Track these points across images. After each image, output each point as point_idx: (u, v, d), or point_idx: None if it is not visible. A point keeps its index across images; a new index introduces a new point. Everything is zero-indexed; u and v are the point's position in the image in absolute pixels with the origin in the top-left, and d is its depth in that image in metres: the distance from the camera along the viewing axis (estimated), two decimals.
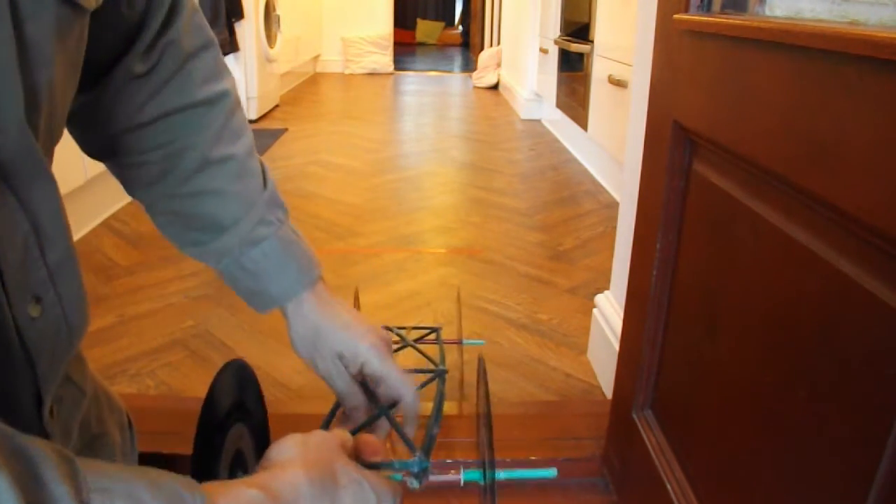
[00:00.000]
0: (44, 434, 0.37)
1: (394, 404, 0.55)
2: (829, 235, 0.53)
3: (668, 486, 0.84)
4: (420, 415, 0.56)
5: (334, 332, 0.54)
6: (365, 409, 0.56)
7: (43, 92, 0.34)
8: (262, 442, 0.53)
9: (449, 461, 1.03)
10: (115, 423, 0.56)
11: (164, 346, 1.51)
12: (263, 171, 0.56)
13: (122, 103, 0.49)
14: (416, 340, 0.84)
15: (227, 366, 0.49)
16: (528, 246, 2.17)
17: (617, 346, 1.09)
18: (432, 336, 0.90)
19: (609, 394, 1.19)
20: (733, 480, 0.70)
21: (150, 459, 1.05)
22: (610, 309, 1.38)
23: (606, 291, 1.43)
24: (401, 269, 1.92)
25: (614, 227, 1.40)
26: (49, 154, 0.38)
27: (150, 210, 0.56)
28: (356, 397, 0.55)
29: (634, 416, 0.98)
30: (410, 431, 0.54)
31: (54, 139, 0.39)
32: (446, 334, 0.97)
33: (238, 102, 0.56)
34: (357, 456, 0.42)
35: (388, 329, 0.82)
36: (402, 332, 0.85)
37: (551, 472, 0.42)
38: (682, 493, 0.82)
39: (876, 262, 0.47)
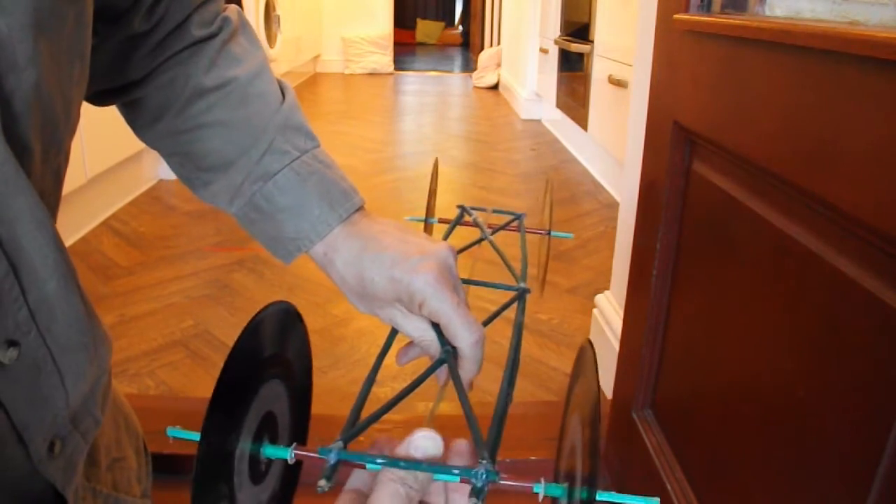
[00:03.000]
0: (34, 475, 0.34)
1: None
2: (829, 235, 0.53)
3: (668, 486, 0.84)
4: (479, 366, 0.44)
5: (382, 272, 0.43)
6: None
7: (23, 98, 0.30)
8: (301, 407, 0.41)
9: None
10: (132, 447, 0.53)
11: (164, 346, 1.51)
12: (283, 92, 0.48)
13: (118, 60, 0.44)
14: (494, 233, 0.71)
15: (269, 307, 0.36)
16: (530, 247, 2.17)
17: (617, 346, 1.09)
18: (515, 224, 0.75)
19: (609, 394, 1.19)
20: (733, 480, 0.70)
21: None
22: (610, 309, 1.38)
23: (606, 291, 1.43)
24: None
25: (614, 227, 1.40)
26: (52, 163, 0.35)
27: (164, 156, 0.49)
28: (433, 343, 0.45)
29: (634, 416, 0.98)
30: (465, 386, 0.43)
31: (59, 145, 0.35)
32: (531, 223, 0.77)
33: (244, 27, 0.49)
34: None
35: (464, 210, 0.73)
36: (480, 215, 0.71)
37: (654, 502, 0.29)
38: (683, 493, 0.82)
39: (876, 262, 0.47)
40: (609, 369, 1.21)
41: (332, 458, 0.32)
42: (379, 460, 0.31)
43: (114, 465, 0.47)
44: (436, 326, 0.44)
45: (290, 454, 0.34)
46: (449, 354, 0.42)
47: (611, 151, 2.66)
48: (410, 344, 0.47)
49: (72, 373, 0.35)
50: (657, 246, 0.89)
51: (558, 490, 0.31)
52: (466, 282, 0.50)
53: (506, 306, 0.52)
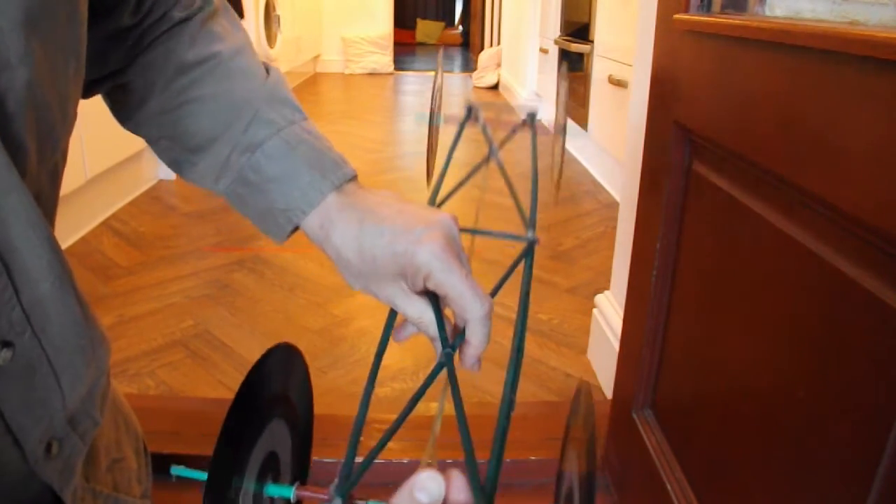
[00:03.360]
0: (31, 476, 0.34)
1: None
2: (829, 235, 0.53)
3: (668, 486, 0.84)
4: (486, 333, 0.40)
5: (382, 246, 0.41)
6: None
7: (16, 97, 0.30)
8: (303, 446, 0.41)
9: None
10: (132, 448, 0.51)
11: (164, 346, 1.51)
12: (267, 70, 0.47)
13: (103, 52, 0.43)
14: (502, 144, 0.63)
15: (274, 349, 0.36)
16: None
17: (617, 346, 1.09)
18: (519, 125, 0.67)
19: (609, 394, 1.19)
20: (733, 480, 0.70)
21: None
22: (610, 309, 1.38)
23: (606, 291, 1.43)
24: None
25: (614, 227, 1.40)
26: (48, 163, 0.34)
27: (151, 141, 0.48)
28: (432, 325, 0.42)
29: (634, 416, 0.98)
30: (471, 357, 0.41)
31: (55, 144, 0.35)
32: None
33: (225, 9, 0.48)
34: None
35: (472, 110, 0.67)
36: (482, 109, 0.64)
37: None
38: (682, 493, 0.82)
39: (876, 262, 0.47)
40: (609, 369, 1.21)
41: None
42: None
43: (114, 466, 0.47)
44: (438, 315, 0.41)
45: (292, 494, 0.35)
46: (449, 358, 0.39)
47: (611, 151, 2.66)
48: (406, 321, 0.45)
49: (68, 374, 0.34)
50: (657, 246, 0.89)
51: None
52: (465, 230, 0.46)
53: (513, 267, 0.47)
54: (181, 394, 1.34)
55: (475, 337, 0.40)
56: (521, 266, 0.47)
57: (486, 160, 0.51)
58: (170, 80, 0.44)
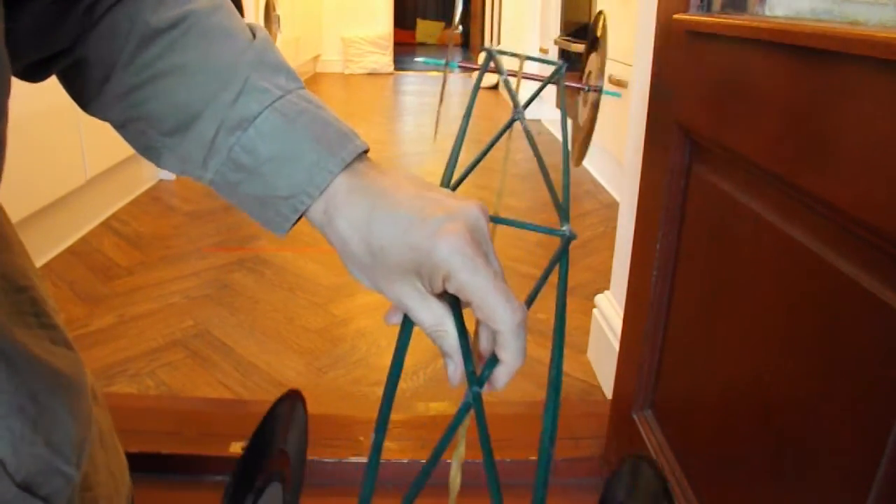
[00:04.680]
0: None
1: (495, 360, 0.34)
2: (829, 235, 0.53)
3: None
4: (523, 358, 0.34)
5: (395, 237, 0.34)
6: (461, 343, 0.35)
7: None
8: (294, 499, 0.37)
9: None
10: (126, 497, 0.45)
11: (164, 346, 1.51)
12: (252, 30, 0.39)
13: (47, 24, 0.36)
14: (527, 104, 0.56)
15: (280, 402, 0.33)
16: (529, 246, 2.17)
17: (617, 346, 1.09)
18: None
19: (609, 394, 1.19)
20: (733, 480, 0.70)
21: (149, 459, 1.05)
22: (610, 309, 1.38)
23: (606, 291, 1.43)
24: None
25: (614, 227, 1.40)
26: None
27: (120, 126, 0.40)
28: (450, 337, 0.35)
29: (634, 416, 0.98)
30: (505, 375, 0.35)
31: None
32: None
33: None
34: None
35: (491, 55, 0.56)
36: (510, 62, 0.50)
37: None
38: (682, 492, 0.82)
39: (876, 262, 0.47)
40: (609, 369, 1.21)
41: None
42: None
43: None
44: (462, 334, 0.34)
45: None
46: (478, 398, 0.32)
47: (611, 151, 2.66)
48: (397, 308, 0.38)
49: (4, 440, 0.29)
50: (657, 246, 0.89)
51: None
52: (494, 220, 0.39)
53: (550, 269, 0.39)
54: (181, 394, 1.34)
55: (507, 352, 0.34)
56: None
57: (510, 124, 0.43)
58: (135, 51, 0.36)
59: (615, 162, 2.63)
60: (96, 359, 1.44)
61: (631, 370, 0.99)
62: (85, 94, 0.39)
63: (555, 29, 3.65)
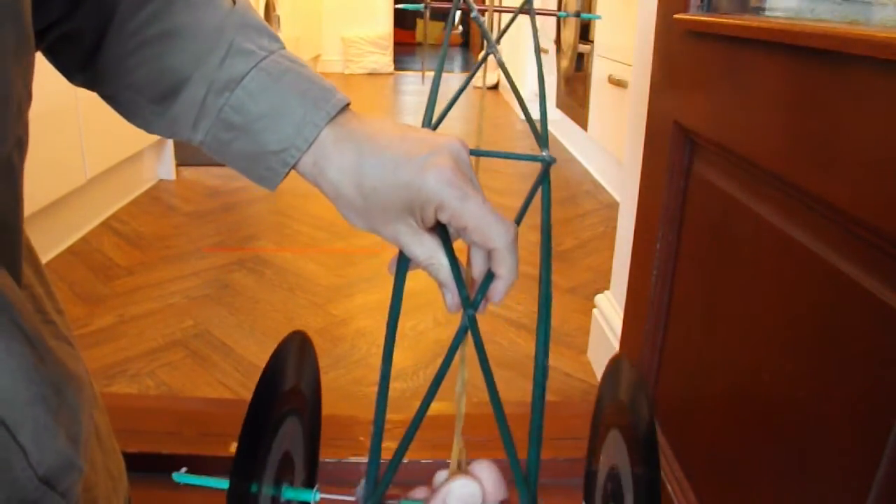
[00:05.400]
0: None
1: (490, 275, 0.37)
2: (829, 235, 0.53)
3: (668, 487, 0.84)
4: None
5: (385, 177, 0.37)
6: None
7: None
8: (313, 445, 0.38)
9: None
10: (123, 498, 0.45)
11: (164, 346, 1.51)
12: None
13: (42, 1, 0.37)
14: (501, 36, 0.58)
15: (288, 340, 0.34)
16: (529, 246, 2.16)
17: (617, 346, 1.09)
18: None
19: None
20: (733, 480, 0.70)
21: (149, 459, 1.05)
22: (610, 309, 1.38)
23: (606, 291, 1.43)
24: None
25: (614, 227, 1.40)
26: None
27: (108, 96, 0.42)
28: (443, 268, 0.37)
29: None
30: (502, 289, 0.37)
31: (2, 133, 0.29)
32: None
33: None
34: None
35: None
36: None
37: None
38: (682, 493, 0.82)
39: (876, 262, 0.47)
40: None
41: None
42: None
43: None
44: (452, 260, 0.37)
45: (313, 497, 0.33)
46: (474, 321, 0.35)
47: (611, 151, 2.66)
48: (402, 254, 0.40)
49: (27, 430, 0.29)
50: (657, 246, 0.89)
51: None
52: (473, 153, 0.42)
53: (532, 192, 0.42)
54: (181, 394, 1.34)
55: (504, 267, 0.36)
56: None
57: (485, 58, 0.48)
58: (125, 19, 0.38)
59: (615, 162, 2.63)
60: (96, 359, 1.44)
61: None
62: (74, 65, 0.40)
63: (555, 29, 3.65)
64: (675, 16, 0.81)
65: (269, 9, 4.21)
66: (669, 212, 0.86)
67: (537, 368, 0.32)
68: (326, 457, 1.09)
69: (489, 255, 0.37)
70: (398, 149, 0.37)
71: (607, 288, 1.44)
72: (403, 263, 0.38)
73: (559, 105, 3.56)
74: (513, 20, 0.65)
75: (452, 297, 0.37)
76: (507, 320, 1.64)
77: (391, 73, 6.62)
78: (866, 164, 0.47)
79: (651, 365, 0.94)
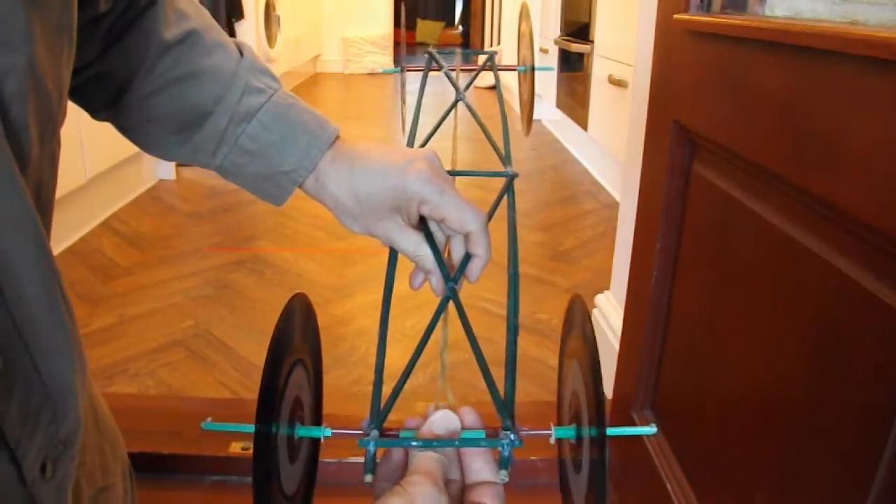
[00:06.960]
0: (29, 497, 0.31)
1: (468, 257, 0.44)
2: (829, 235, 0.53)
3: (668, 486, 0.84)
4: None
5: (375, 184, 0.44)
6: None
7: (18, 79, 0.28)
8: (317, 389, 0.44)
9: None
10: (120, 474, 0.48)
11: (164, 346, 1.51)
12: (238, 45, 0.48)
13: (78, 44, 0.40)
14: (468, 87, 0.72)
15: (293, 301, 0.40)
16: (529, 246, 2.17)
17: (617, 346, 1.09)
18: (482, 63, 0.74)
19: (609, 393, 1.19)
20: (733, 480, 0.70)
21: (149, 459, 1.05)
22: (610, 309, 1.38)
23: (606, 291, 1.43)
24: (400, 269, 1.92)
25: (614, 227, 1.40)
26: (47, 148, 0.33)
27: (130, 129, 0.48)
28: (428, 258, 0.45)
29: (634, 415, 0.98)
30: (478, 267, 0.44)
31: (53, 129, 0.33)
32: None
33: None
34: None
35: (433, 57, 0.76)
36: (445, 55, 0.71)
37: (651, 430, 0.42)
38: (682, 493, 0.82)
39: (876, 262, 0.47)
40: (609, 369, 1.21)
41: (371, 448, 0.34)
42: (414, 443, 0.34)
43: (99, 496, 0.43)
44: (433, 247, 0.44)
45: (322, 433, 0.39)
46: (454, 292, 0.43)
47: (611, 151, 2.66)
48: (416, 269, 0.47)
49: (57, 384, 0.31)
50: (657, 246, 0.89)
51: (569, 432, 0.38)
52: (449, 173, 0.50)
53: (498, 201, 0.52)
54: (181, 394, 1.34)
55: (479, 247, 0.44)
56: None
57: (455, 104, 0.57)
58: (153, 62, 0.45)
59: (615, 162, 2.63)
60: (96, 359, 1.44)
61: (631, 370, 0.99)
62: (101, 104, 0.46)
63: (554, 29, 3.65)
64: (675, 16, 0.81)
65: (269, 9, 4.21)
66: (669, 212, 0.86)
67: (510, 312, 0.42)
68: (327, 457, 1.09)
69: (466, 239, 0.44)
70: (384, 160, 0.45)
71: (607, 288, 1.44)
72: (393, 258, 0.47)
73: (559, 105, 3.56)
74: (476, 75, 0.77)
75: (437, 282, 0.45)
76: (504, 319, 1.64)
77: (391, 73, 6.63)
78: (866, 164, 0.47)
79: (651, 365, 0.94)
